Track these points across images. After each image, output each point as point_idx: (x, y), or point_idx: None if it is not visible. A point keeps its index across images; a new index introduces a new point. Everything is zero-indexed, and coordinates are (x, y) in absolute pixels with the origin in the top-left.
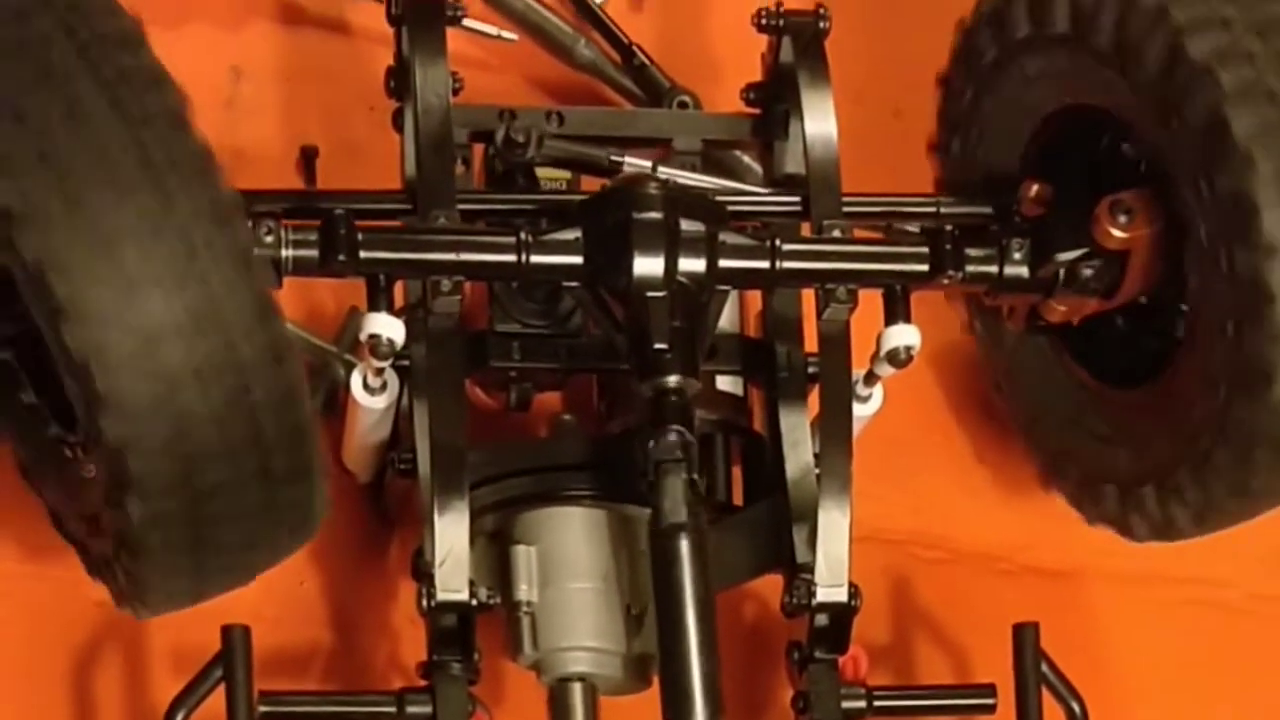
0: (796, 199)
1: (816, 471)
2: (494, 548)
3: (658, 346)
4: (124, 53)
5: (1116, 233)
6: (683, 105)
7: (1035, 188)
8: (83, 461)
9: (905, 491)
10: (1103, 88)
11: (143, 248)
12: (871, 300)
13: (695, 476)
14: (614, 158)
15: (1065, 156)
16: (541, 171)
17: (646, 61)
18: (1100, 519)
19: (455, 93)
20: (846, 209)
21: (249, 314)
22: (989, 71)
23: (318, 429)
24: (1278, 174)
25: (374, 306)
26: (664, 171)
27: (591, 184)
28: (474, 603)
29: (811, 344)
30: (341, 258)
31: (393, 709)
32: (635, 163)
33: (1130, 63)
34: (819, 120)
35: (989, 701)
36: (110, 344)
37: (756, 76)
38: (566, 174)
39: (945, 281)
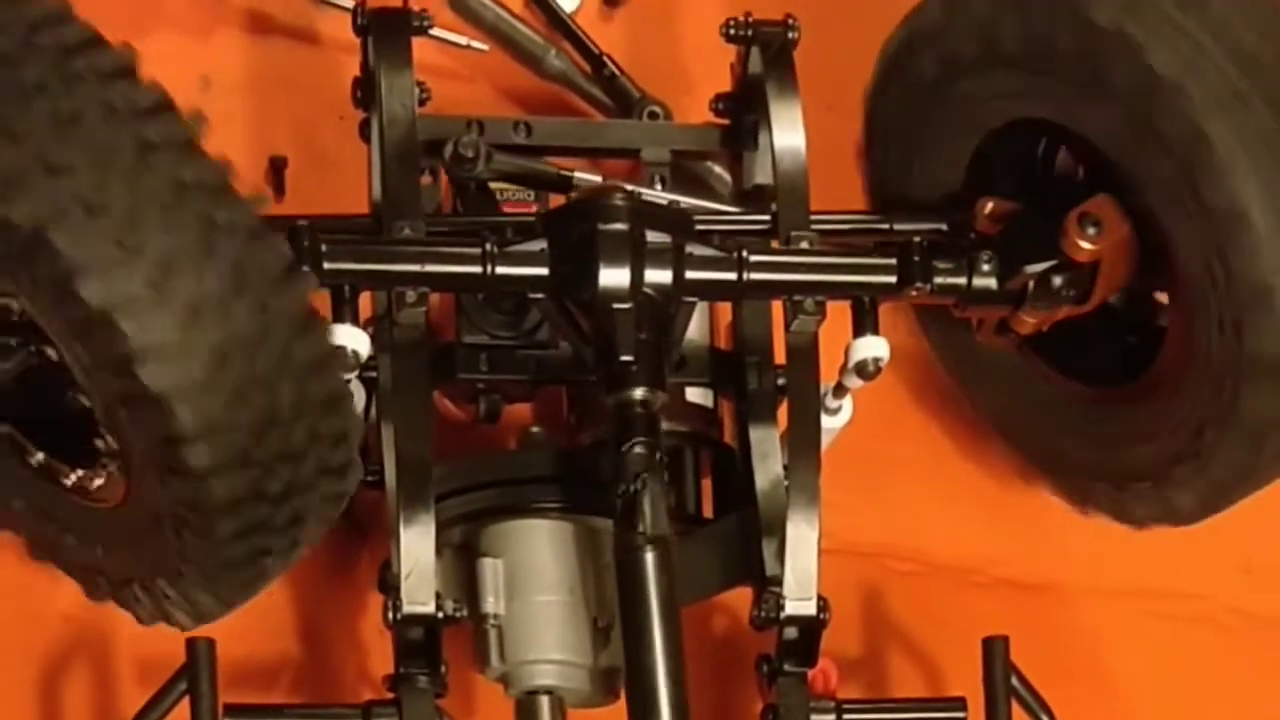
0: (765, 218)
1: (786, 484)
2: (461, 560)
3: (624, 359)
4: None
5: (1086, 245)
6: (653, 116)
7: (990, 205)
8: (111, 495)
9: (878, 504)
10: (1055, 102)
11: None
12: (841, 312)
13: (662, 488)
14: (563, 172)
15: (1012, 168)
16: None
17: (617, 72)
18: (1096, 510)
19: (422, 103)
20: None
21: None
22: (928, 89)
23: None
24: (1259, 174)
25: (338, 318)
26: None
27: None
28: (440, 615)
29: (781, 356)
30: (305, 269)
31: None
32: (585, 177)
33: (1093, 82)
34: (787, 131)
35: (959, 715)
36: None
37: (728, 87)
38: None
39: (913, 293)
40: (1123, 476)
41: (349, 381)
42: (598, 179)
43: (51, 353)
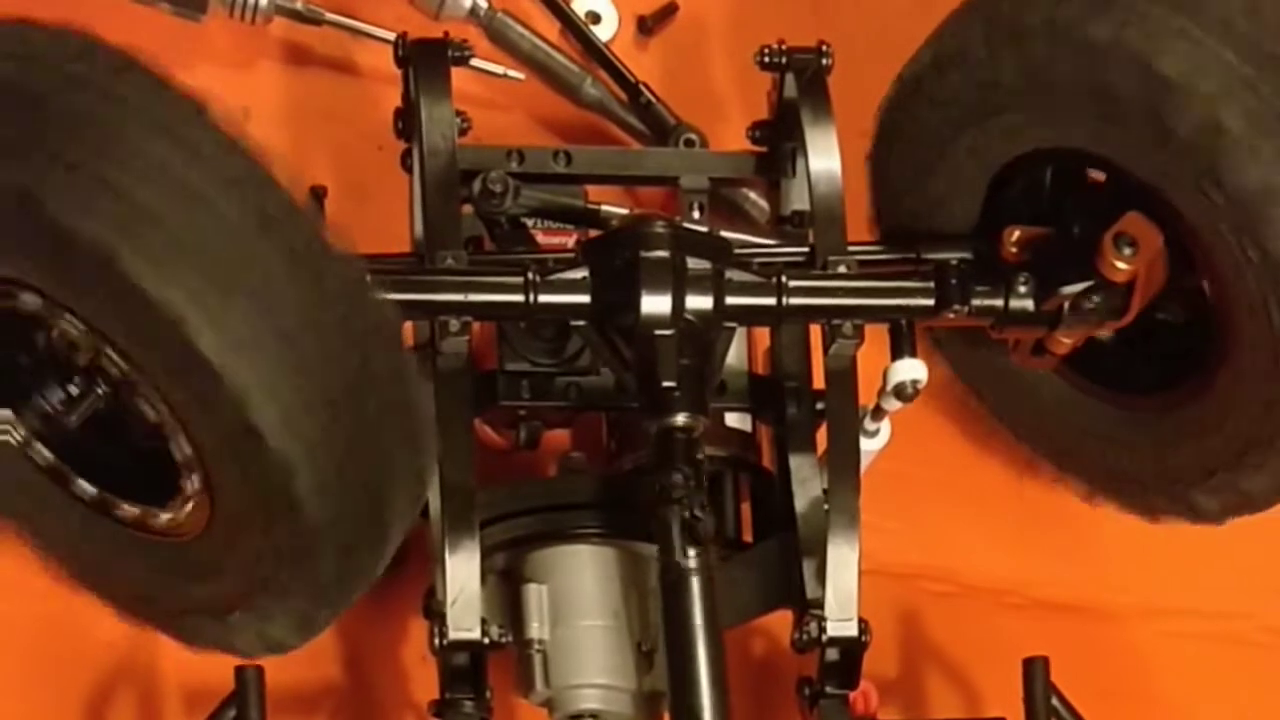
0: (804, 249)
1: (825, 507)
2: (505, 586)
3: (666, 384)
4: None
5: (1122, 265)
6: (689, 143)
7: (1016, 233)
8: (190, 528)
9: (914, 525)
10: (1062, 129)
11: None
12: (878, 335)
13: (705, 513)
14: (590, 205)
15: (1027, 195)
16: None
17: (653, 99)
18: (1169, 517)
19: (463, 133)
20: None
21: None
22: (933, 134)
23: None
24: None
25: None
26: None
27: None
28: (486, 641)
29: (819, 379)
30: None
31: None
32: (612, 210)
33: (1101, 99)
34: (823, 156)
35: None
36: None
37: (764, 113)
38: None
39: (951, 316)
40: (1194, 476)
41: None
42: (624, 211)
43: (127, 397)
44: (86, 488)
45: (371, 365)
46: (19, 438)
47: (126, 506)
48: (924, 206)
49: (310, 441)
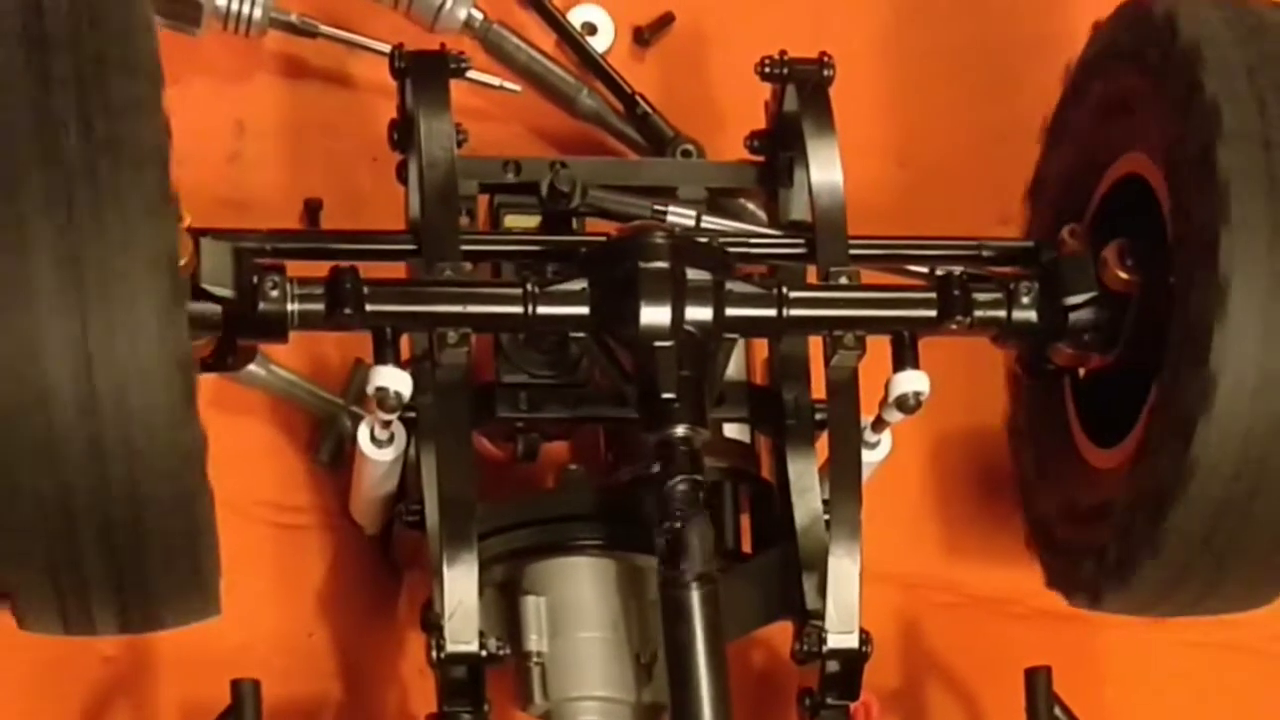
0: (801, 240)
1: (826, 518)
2: (503, 598)
3: (666, 396)
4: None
5: (1122, 274)
6: (686, 154)
7: (1071, 227)
8: None
9: (916, 535)
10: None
11: None
12: (880, 346)
13: (706, 525)
14: (657, 208)
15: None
16: (515, 220)
17: (649, 110)
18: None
19: (460, 145)
20: (896, 249)
21: None
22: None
23: None
24: (1251, 217)
25: (380, 360)
26: (709, 222)
27: None
28: (484, 654)
29: (819, 390)
30: (348, 311)
31: None
32: (680, 212)
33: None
34: (825, 168)
35: None
36: None
37: (759, 124)
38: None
39: (953, 327)
40: None
41: (390, 423)
42: (691, 214)
43: None
44: None
45: None
46: None
47: None
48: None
49: None
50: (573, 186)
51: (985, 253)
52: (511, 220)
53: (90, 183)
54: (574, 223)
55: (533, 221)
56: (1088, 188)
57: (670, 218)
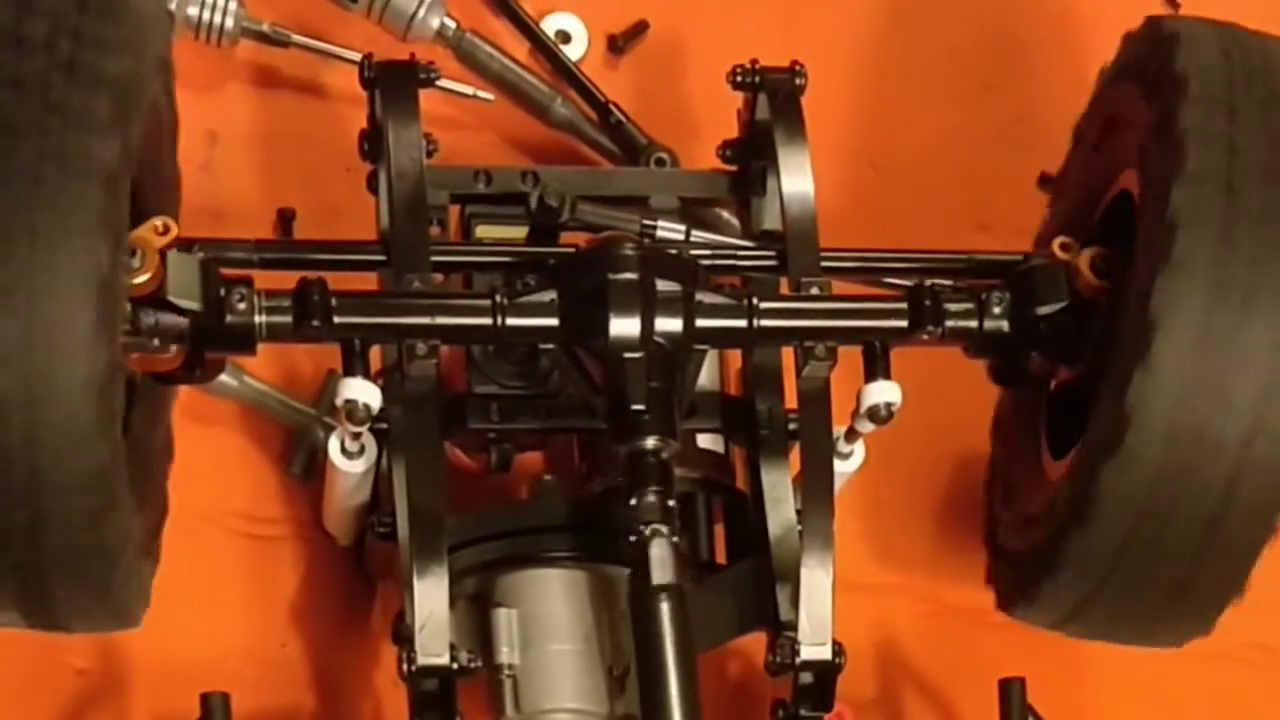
0: (773, 253)
1: (799, 529)
2: (475, 610)
3: (635, 408)
4: None
5: (1093, 281)
6: (660, 162)
7: (1063, 240)
8: None
9: (891, 545)
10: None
11: None
12: (852, 356)
13: (675, 538)
14: (646, 223)
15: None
16: (487, 230)
17: (623, 119)
18: None
19: (430, 154)
20: (870, 262)
21: None
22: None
23: None
24: (1191, 262)
25: (349, 371)
26: (698, 237)
27: None
28: (455, 667)
29: (792, 400)
30: (315, 323)
31: None
32: (669, 226)
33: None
34: (796, 177)
35: None
36: None
37: (734, 132)
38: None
39: (925, 337)
40: None
41: (360, 434)
42: (681, 229)
43: None
44: None
45: None
46: None
47: None
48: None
49: None
50: (562, 201)
51: (959, 265)
52: (483, 230)
53: (35, 193)
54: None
55: (505, 232)
56: (1095, 198)
57: (660, 233)
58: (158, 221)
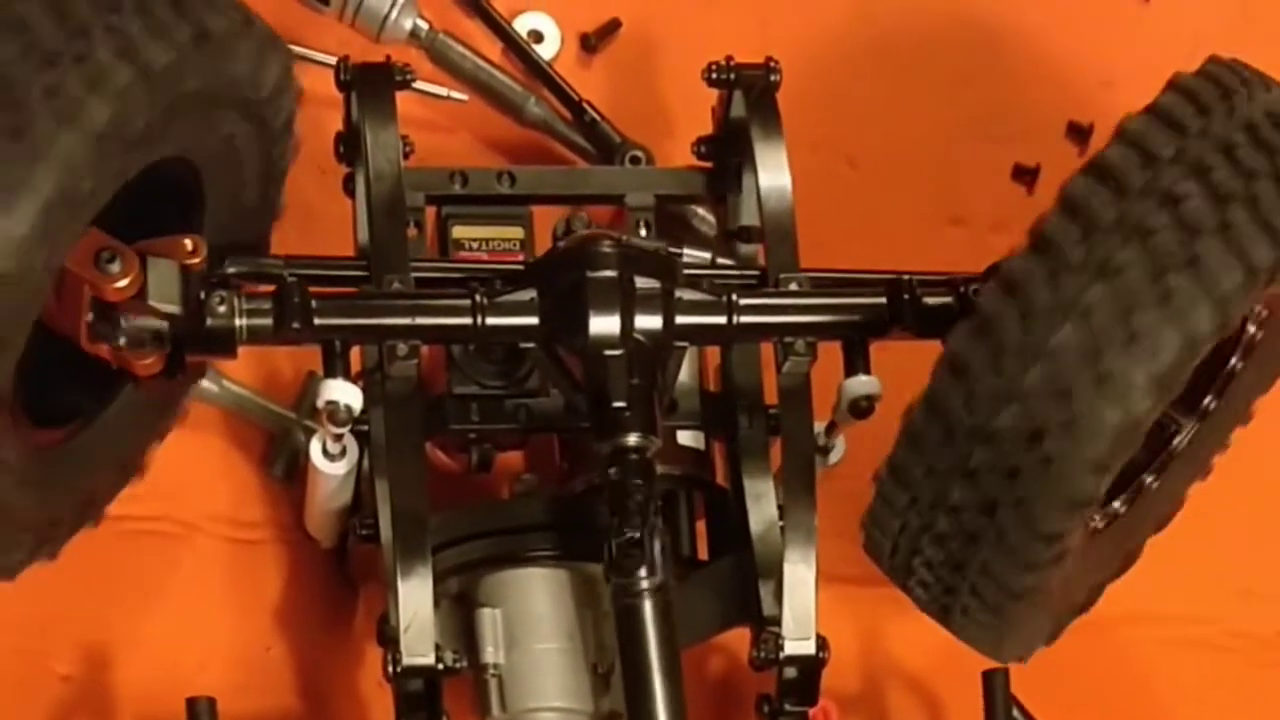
0: (754, 272)
1: (781, 524)
2: (459, 610)
3: (616, 405)
4: None
5: None
6: (635, 160)
7: None
8: None
9: None
10: None
11: None
12: (831, 350)
13: (658, 534)
14: (672, 250)
15: None
16: (464, 231)
17: (597, 118)
18: None
19: (406, 156)
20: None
21: None
22: None
23: None
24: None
25: (330, 373)
26: (689, 254)
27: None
28: (440, 667)
29: (772, 395)
30: (296, 325)
31: None
32: (693, 254)
33: None
34: (773, 174)
35: None
36: None
37: (709, 129)
38: (519, 233)
39: (904, 331)
40: None
41: (341, 436)
42: (707, 256)
43: None
44: None
45: None
46: None
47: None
48: None
49: None
50: (587, 227)
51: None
52: (460, 231)
53: None
54: None
55: (482, 232)
56: None
57: (686, 258)
58: (187, 241)
